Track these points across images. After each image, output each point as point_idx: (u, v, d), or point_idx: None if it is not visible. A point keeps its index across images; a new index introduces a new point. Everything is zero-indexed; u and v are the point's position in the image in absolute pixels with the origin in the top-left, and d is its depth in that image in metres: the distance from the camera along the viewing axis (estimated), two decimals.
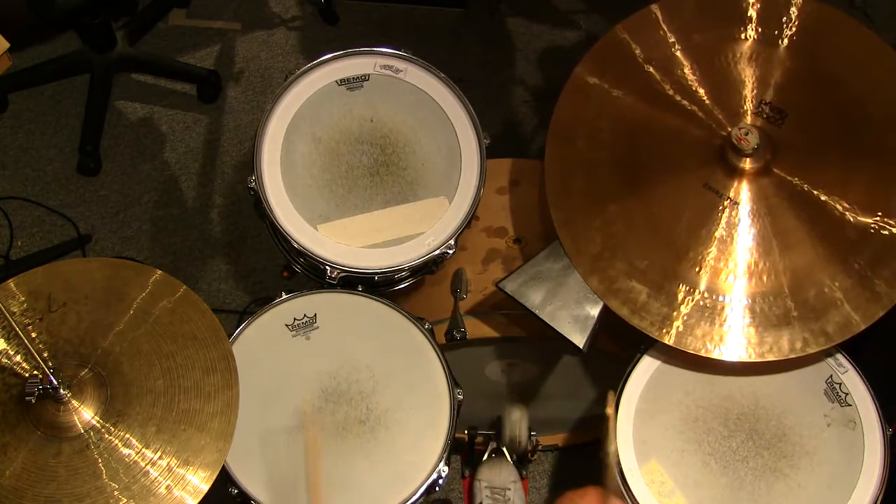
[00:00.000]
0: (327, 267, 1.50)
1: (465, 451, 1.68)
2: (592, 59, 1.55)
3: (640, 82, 1.51)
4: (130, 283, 1.33)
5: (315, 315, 1.51)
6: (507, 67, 2.68)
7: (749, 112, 1.45)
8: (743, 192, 1.40)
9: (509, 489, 1.59)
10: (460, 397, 1.47)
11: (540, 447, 1.91)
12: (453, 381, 1.46)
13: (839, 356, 1.45)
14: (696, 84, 1.48)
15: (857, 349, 1.45)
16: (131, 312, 1.30)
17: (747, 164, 1.40)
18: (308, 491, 1.35)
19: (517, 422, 1.54)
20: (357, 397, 1.45)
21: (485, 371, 1.79)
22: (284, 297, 1.52)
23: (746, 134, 1.38)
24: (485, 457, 1.61)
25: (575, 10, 2.79)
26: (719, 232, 1.40)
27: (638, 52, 1.52)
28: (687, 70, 1.49)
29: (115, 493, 1.17)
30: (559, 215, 1.48)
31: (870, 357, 1.47)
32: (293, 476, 1.39)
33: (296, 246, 1.51)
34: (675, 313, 1.39)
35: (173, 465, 1.20)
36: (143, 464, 1.20)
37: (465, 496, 1.64)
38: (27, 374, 1.23)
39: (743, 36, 1.49)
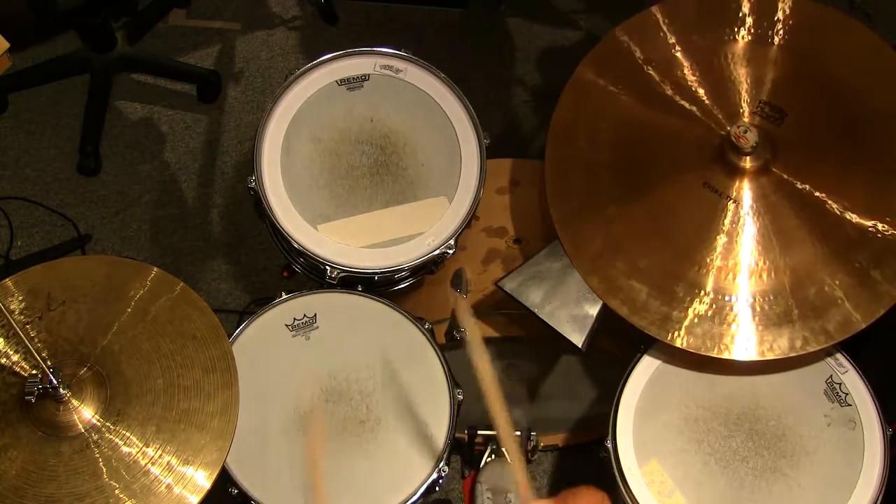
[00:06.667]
0: (327, 267, 1.50)
1: (465, 451, 1.68)
2: (593, 59, 1.55)
3: (640, 83, 1.51)
4: (129, 281, 1.33)
5: (315, 315, 1.51)
6: (507, 67, 2.68)
7: (748, 111, 1.45)
8: (743, 191, 1.40)
9: (511, 492, 1.59)
10: (460, 397, 1.47)
11: (540, 447, 1.91)
12: (453, 381, 1.46)
13: (839, 356, 1.46)
14: (696, 84, 1.48)
15: (857, 349, 1.45)
16: (130, 310, 1.30)
17: (747, 162, 1.40)
18: (312, 490, 1.35)
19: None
20: (357, 397, 1.45)
21: None
22: (284, 297, 1.52)
23: (745, 132, 1.38)
24: (485, 457, 1.61)
25: (575, 10, 2.79)
26: (719, 231, 1.40)
27: (638, 53, 1.52)
28: (686, 71, 1.49)
29: (116, 491, 1.17)
30: (559, 215, 1.48)
31: (870, 357, 1.47)
32: (293, 476, 1.39)
33: (296, 246, 1.51)
34: (674, 312, 1.39)
35: (174, 463, 1.20)
36: (143, 463, 1.20)
37: (466, 496, 1.64)
38: (27, 374, 1.23)
39: (739, 36, 1.49)
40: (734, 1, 1.50)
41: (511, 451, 1.21)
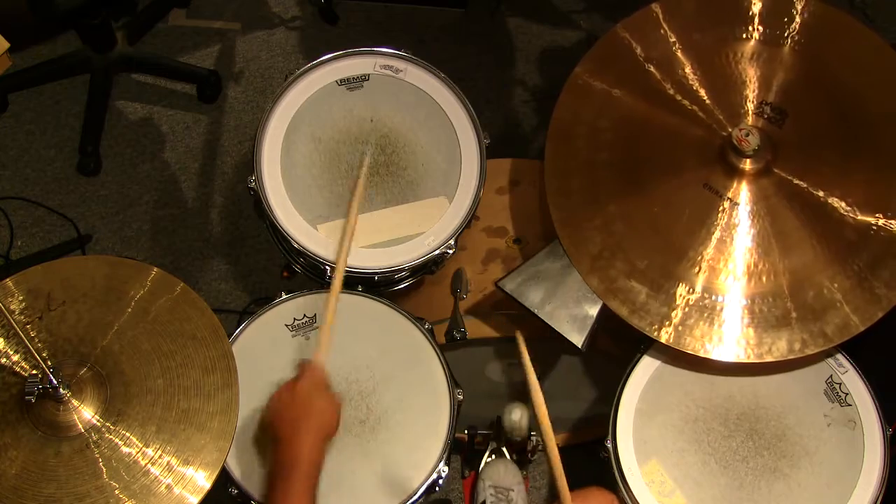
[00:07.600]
0: (327, 267, 1.50)
1: (465, 451, 1.68)
2: (593, 58, 1.55)
3: (640, 82, 1.51)
4: (129, 282, 1.33)
5: (315, 315, 1.51)
6: (507, 67, 2.69)
7: (750, 112, 1.45)
8: (743, 193, 1.40)
9: (513, 490, 1.59)
10: (460, 397, 1.47)
11: (540, 447, 1.91)
12: (453, 381, 1.46)
13: (839, 356, 1.46)
14: (697, 84, 1.48)
15: (858, 349, 1.45)
16: (130, 310, 1.30)
17: (747, 164, 1.40)
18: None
19: (517, 420, 1.53)
20: (357, 397, 1.45)
21: (485, 371, 1.79)
22: (284, 297, 1.52)
23: (747, 135, 1.37)
24: (485, 457, 1.61)
25: (575, 10, 2.79)
26: (719, 232, 1.40)
27: (638, 51, 1.52)
28: (687, 69, 1.49)
29: (116, 492, 1.17)
30: (559, 215, 1.48)
31: (870, 357, 1.47)
32: None
33: (296, 246, 1.51)
34: (674, 313, 1.39)
35: (174, 463, 1.20)
36: (143, 463, 1.20)
37: (466, 496, 1.64)
38: (27, 374, 1.23)
39: (745, 36, 1.49)
40: (736, 0, 1.50)
41: (554, 457, 1.22)
